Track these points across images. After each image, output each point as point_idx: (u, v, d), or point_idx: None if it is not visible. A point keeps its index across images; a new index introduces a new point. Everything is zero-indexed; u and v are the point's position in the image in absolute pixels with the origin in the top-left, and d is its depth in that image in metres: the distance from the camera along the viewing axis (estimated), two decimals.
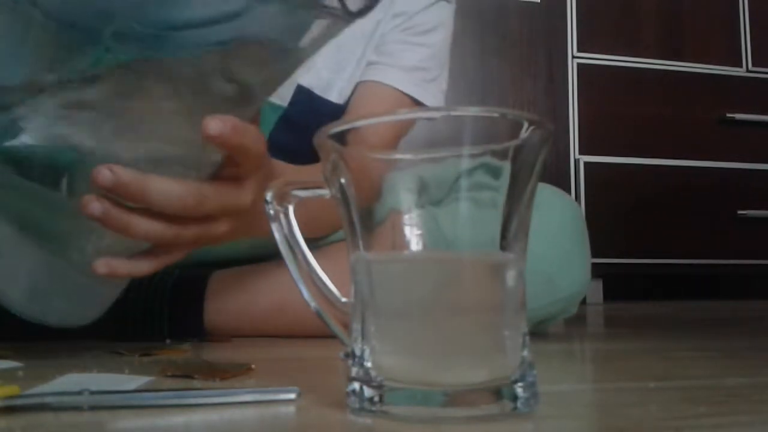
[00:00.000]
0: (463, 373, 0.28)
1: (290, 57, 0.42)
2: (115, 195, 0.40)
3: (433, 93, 0.81)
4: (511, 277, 0.30)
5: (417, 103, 0.80)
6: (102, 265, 0.43)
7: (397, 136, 0.74)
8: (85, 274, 0.44)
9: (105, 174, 0.39)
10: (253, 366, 0.43)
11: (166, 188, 0.41)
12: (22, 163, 0.41)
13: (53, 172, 0.42)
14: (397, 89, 0.79)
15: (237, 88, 0.42)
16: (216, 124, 0.39)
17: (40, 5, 0.37)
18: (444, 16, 0.84)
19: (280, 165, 0.57)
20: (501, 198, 0.29)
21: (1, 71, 0.40)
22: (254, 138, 0.42)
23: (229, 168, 0.45)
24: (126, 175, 0.39)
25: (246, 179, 0.46)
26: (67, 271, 0.46)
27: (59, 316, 0.49)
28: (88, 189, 0.39)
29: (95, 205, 0.40)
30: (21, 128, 0.40)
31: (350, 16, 0.38)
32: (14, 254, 0.46)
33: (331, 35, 0.41)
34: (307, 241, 0.34)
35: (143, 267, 0.45)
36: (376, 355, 0.29)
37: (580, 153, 1.81)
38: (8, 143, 0.40)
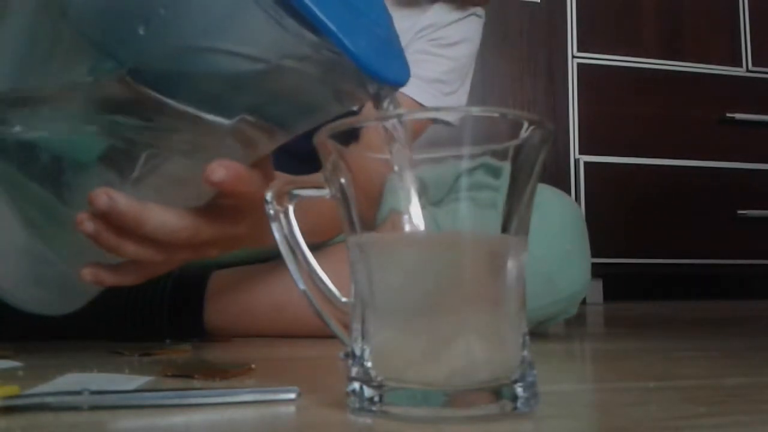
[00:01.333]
0: (463, 373, 0.28)
1: (305, 120, 0.42)
2: (110, 220, 0.40)
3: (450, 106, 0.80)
4: (511, 274, 0.30)
5: None
6: (88, 274, 0.43)
7: None
8: (70, 266, 0.44)
9: (102, 199, 0.38)
10: (253, 366, 0.43)
11: (161, 220, 0.41)
12: (28, 155, 0.41)
13: (54, 171, 0.42)
14: (414, 99, 0.77)
15: (247, 140, 0.41)
16: (220, 173, 0.38)
17: (69, 16, 0.37)
18: (472, 30, 0.83)
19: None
20: (501, 198, 0.29)
21: (32, 70, 0.40)
22: (257, 185, 0.41)
23: (227, 198, 0.43)
24: (123, 202, 0.39)
25: (243, 211, 0.45)
26: (52, 260, 0.46)
27: (40, 304, 0.49)
28: (84, 200, 0.39)
29: (88, 225, 0.40)
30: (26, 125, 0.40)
31: (370, 99, 0.38)
32: (1, 237, 0.46)
33: (348, 110, 0.41)
34: (308, 244, 0.34)
35: (129, 278, 0.45)
36: (376, 354, 0.29)
37: (580, 153, 1.80)
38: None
